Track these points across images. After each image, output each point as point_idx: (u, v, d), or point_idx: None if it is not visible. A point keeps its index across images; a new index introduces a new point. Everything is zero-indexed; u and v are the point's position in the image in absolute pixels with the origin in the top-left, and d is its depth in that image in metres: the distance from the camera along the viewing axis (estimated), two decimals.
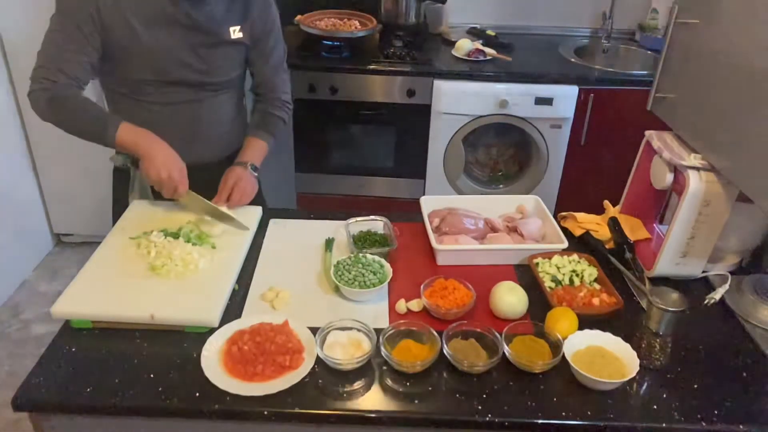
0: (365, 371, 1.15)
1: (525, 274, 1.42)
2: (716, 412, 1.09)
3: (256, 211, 1.57)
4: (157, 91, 1.53)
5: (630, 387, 1.14)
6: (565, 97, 2.56)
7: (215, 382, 1.09)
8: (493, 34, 2.86)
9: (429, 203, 1.61)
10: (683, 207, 1.31)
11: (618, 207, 1.60)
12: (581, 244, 1.52)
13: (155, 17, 1.45)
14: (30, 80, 1.43)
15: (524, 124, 2.64)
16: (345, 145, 2.82)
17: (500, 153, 2.90)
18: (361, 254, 1.39)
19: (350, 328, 1.20)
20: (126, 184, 1.63)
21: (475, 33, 2.92)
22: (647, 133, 1.48)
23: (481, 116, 2.62)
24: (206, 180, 1.52)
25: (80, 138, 1.46)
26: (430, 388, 1.12)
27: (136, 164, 1.56)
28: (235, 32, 1.55)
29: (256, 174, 1.60)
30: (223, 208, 1.49)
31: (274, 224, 1.58)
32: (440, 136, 2.68)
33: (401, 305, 1.31)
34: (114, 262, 1.35)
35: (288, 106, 1.73)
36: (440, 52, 2.78)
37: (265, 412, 1.07)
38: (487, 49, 2.67)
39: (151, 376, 1.12)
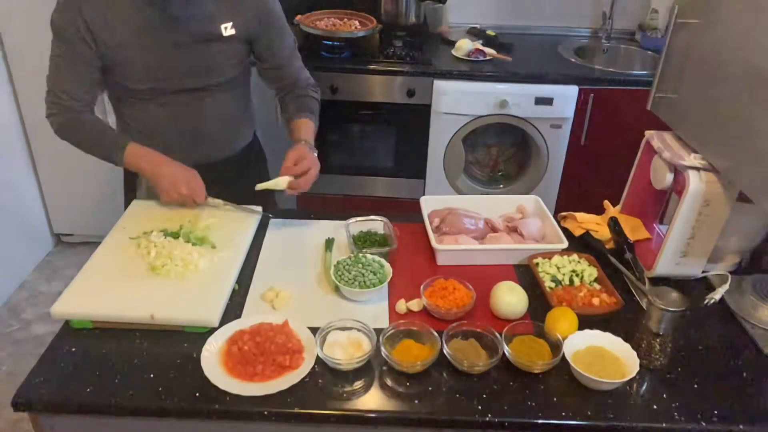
0: (365, 371, 1.15)
1: (525, 274, 1.43)
2: (716, 412, 1.09)
3: (256, 211, 1.57)
4: (157, 97, 1.53)
5: (630, 387, 1.14)
6: (565, 97, 2.56)
7: (215, 382, 1.09)
8: (493, 34, 2.86)
9: (429, 203, 1.61)
10: (683, 207, 1.31)
11: (618, 207, 1.60)
12: (581, 244, 1.52)
13: (144, 24, 1.44)
14: (45, 103, 1.48)
15: (524, 124, 2.64)
16: (345, 145, 2.82)
17: (500, 153, 2.90)
18: (361, 254, 1.39)
19: (350, 328, 1.20)
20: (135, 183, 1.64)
21: (475, 33, 2.92)
22: (647, 133, 1.48)
23: (481, 116, 2.62)
24: (213, 178, 1.52)
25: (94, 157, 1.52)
26: (430, 388, 1.12)
27: None
28: (227, 29, 1.51)
29: (315, 152, 1.57)
30: (284, 185, 1.50)
31: (274, 224, 1.58)
32: (440, 136, 2.68)
33: (401, 305, 1.31)
34: (114, 262, 1.35)
35: (314, 86, 1.71)
36: (440, 52, 2.78)
37: (265, 412, 1.07)
38: (487, 49, 2.67)
39: (151, 376, 1.12)
